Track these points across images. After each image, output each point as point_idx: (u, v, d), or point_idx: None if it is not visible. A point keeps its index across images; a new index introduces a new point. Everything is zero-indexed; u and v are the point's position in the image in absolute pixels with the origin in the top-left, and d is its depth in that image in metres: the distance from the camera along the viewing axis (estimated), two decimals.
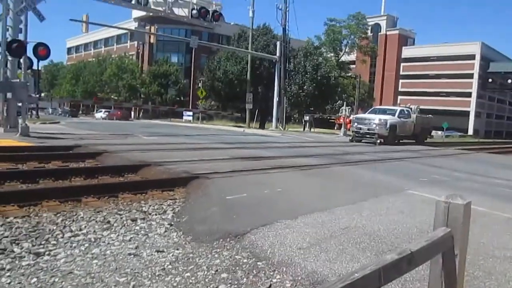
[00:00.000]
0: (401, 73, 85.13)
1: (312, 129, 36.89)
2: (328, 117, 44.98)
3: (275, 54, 35.41)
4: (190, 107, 55.41)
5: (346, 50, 65.25)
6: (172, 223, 5.13)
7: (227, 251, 4.16)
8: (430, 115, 27.92)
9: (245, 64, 38.07)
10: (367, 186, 8.00)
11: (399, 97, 69.24)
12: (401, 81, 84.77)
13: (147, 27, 57.71)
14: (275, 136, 25.65)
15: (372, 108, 25.90)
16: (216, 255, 4.05)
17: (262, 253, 4.08)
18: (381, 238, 4.63)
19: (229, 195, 6.11)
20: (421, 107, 28.83)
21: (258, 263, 3.87)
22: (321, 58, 43.26)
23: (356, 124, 22.53)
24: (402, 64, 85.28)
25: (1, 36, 15.90)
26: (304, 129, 37.00)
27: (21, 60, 16.08)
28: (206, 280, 3.49)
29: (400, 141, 23.34)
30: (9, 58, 15.86)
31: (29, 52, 16.70)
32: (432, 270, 2.17)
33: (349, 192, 7.30)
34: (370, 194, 7.03)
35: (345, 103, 34.75)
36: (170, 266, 3.74)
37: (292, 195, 6.63)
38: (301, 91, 38.75)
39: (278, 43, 35.47)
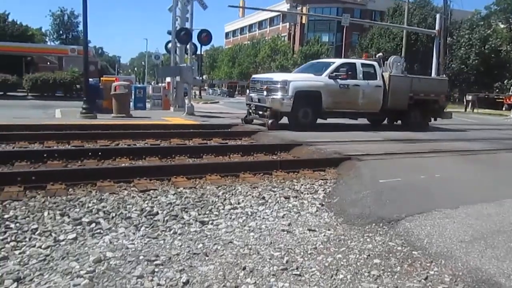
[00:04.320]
0: None
1: (475, 110, 33.28)
2: (495, 97, 39.96)
3: (434, 28, 32.59)
4: None
5: None
6: (323, 203, 5.19)
7: (379, 237, 4.05)
8: (443, 76, 15.88)
9: (400, 40, 36.01)
10: None
11: None
12: None
13: (299, 8, 58.37)
14: None
15: (308, 63, 15.47)
16: (368, 240, 3.97)
17: (417, 242, 3.87)
18: None
19: (382, 178, 5.90)
20: None
21: (414, 252, 3.69)
22: (489, 30, 38.44)
23: (248, 91, 13.53)
24: None
25: (172, 26, 17.78)
26: (465, 109, 33.59)
27: (187, 46, 17.73)
28: (358, 263, 3.45)
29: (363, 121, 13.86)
30: (178, 45, 17.67)
31: (194, 39, 18.30)
32: None
33: None
34: None
35: None
36: (321, 246, 3.79)
37: (452, 182, 6.11)
38: (463, 66, 35.09)
39: (437, 15, 32.49)
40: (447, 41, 33.68)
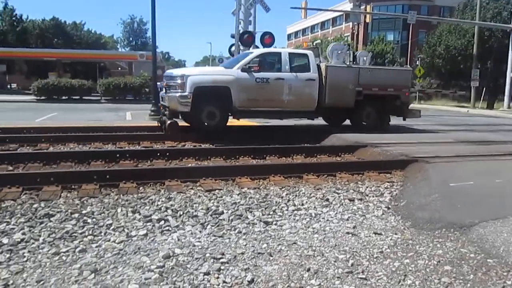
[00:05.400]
0: None
1: None
2: None
3: (509, 23, 30.58)
4: None
5: None
6: (390, 206, 5.04)
7: (450, 243, 3.87)
8: (406, 67, 12.56)
9: (471, 36, 34.02)
10: None
11: None
12: None
13: (362, 7, 57.16)
14: (507, 117, 22.39)
15: (239, 55, 13.93)
16: (438, 245, 3.81)
17: (493, 249, 3.66)
18: None
19: (452, 182, 5.62)
20: None
21: (488, 260, 3.49)
22: None
23: (160, 89, 11.83)
24: None
25: (235, 29, 18.14)
26: None
27: (251, 49, 17.96)
28: (427, 270, 3.32)
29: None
30: (241, 47, 17.97)
31: (257, 41, 18.51)
32: None
33: None
34: None
35: None
36: (388, 250, 3.69)
37: None
38: None
39: None
40: None
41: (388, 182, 6.08)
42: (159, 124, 10.64)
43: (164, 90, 10.32)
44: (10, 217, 4.19)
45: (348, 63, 11.40)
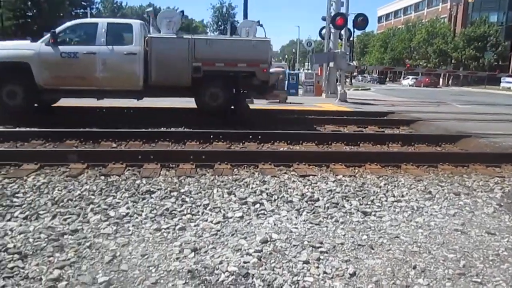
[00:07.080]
0: None
1: None
2: None
3: None
4: (510, 72, 48.28)
5: None
6: (502, 203, 4.56)
7: None
8: (266, 38, 9.61)
9: None
10: None
11: None
12: None
13: None
14: None
15: None
16: None
17: None
18: None
19: None
20: None
21: None
22: None
23: None
24: None
25: (326, 11, 17.67)
26: None
27: (342, 32, 17.39)
28: None
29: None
30: (332, 30, 17.49)
31: (349, 24, 17.87)
32: None
33: None
34: None
35: None
36: (505, 253, 3.32)
37: None
38: None
39: None
40: None
41: (498, 176, 5.52)
42: None
43: None
44: (116, 192, 4.42)
45: (178, 34, 9.53)
